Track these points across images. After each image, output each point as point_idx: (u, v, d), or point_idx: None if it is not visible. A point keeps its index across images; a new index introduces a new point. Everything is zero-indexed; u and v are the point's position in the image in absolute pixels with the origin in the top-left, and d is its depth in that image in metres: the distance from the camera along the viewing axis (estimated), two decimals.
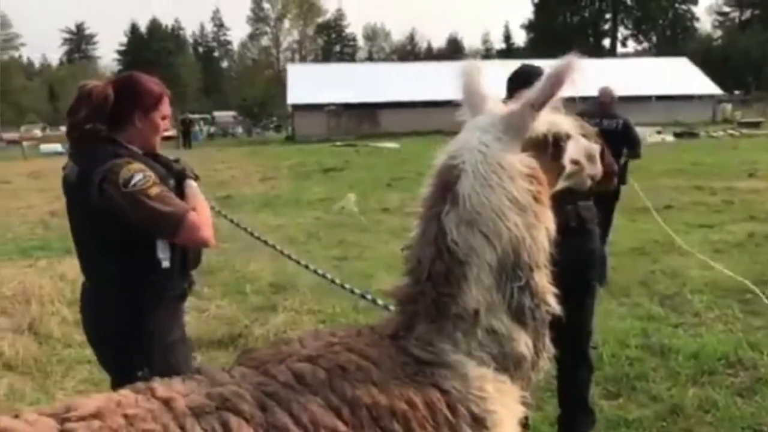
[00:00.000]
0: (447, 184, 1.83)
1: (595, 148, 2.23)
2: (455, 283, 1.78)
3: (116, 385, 2.64)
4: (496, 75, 3.97)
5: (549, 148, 1.95)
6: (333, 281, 3.70)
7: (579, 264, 3.42)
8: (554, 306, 1.89)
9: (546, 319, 1.88)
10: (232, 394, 1.52)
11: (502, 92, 2.11)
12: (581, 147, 2.14)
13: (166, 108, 2.88)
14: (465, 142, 1.87)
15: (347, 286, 3.65)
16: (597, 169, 2.23)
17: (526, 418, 4.00)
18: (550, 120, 1.91)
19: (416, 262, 1.86)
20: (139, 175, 2.55)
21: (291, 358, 1.67)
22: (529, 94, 1.86)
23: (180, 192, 2.80)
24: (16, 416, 1.38)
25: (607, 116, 7.33)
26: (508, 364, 1.83)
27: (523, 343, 1.83)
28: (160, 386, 1.54)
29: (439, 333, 1.79)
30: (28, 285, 6.88)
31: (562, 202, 2.19)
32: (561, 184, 2.10)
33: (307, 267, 3.84)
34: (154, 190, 2.55)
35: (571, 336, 3.21)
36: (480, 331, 1.80)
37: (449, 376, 1.71)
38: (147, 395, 1.50)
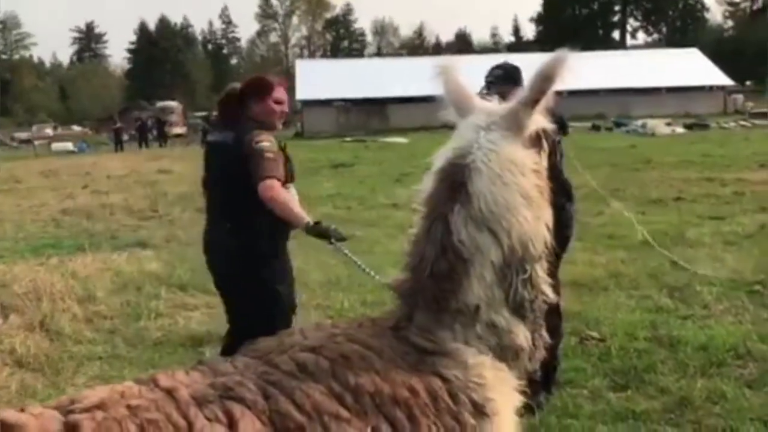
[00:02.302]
0: (456, 184, 1.85)
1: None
2: (457, 280, 1.81)
3: (252, 303, 3.87)
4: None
5: (540, 144, 1.99)
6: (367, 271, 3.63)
7: None
8: (550, 295, 1.94)
9: (543, 309, 1.93)
10: (234, 384, 1.54)
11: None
12: None
13: (278, 95, 3.97)
14: (471, 140, 1.88)
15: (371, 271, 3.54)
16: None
17: (533, 407, 4.03)
18: (540, 117, 1.95)
19: (419, 259, 1.88)
20: (268, 143, 3.69)
21: (293, 349, 1.70)
22: (522, 92, 1.90)
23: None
24: (22, 410, 1.41)
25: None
26: (506, 355, 1.86)
27: (522, 335, 1.87)
28: (163, 377, 1.56)
29: (438, 323, 1.82)
30: (40, 282, 6.93)
31: None
32: None
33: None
34: (270, 155, 3.65)
35: None
36: (479, 325, 1.83)
37: (450, 364, 1.75)
38: (150, 386, 1.53)
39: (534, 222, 1.86)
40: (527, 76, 2.32)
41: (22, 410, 1.41)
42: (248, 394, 1.52)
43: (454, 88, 2.02)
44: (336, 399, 1.58)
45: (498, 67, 4.06)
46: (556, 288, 4.30)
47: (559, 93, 1.94)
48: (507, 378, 1.85)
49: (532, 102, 1.89)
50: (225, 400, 1.50)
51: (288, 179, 3.88)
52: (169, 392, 1.50)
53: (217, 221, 4.01)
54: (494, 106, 1.99)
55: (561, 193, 4.09)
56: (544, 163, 2.05)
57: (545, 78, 1.86)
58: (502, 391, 1.80)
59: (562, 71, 1.85)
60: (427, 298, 1.84)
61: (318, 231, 3.53)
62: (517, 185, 1.84)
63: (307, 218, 3.56)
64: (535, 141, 1.96)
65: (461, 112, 1.99)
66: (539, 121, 1.94)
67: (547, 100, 1.90)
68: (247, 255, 3.82)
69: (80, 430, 1.35)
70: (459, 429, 1.69)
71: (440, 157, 1.96)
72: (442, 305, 1.82)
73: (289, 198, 3.66)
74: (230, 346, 4.01)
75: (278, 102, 3.96)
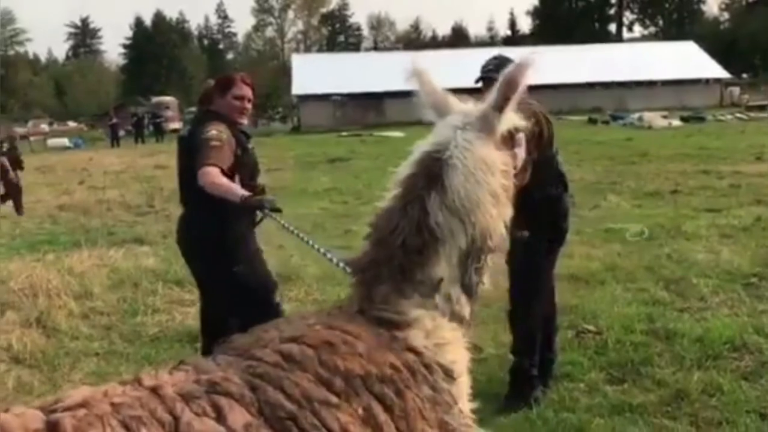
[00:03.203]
0: (432, 174, 1.97)
1: (522, 137, 2.41)
2: (427, 255, 1.94)
3: (212, 289, 4.22)
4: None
5: (512, 143, 2.15)
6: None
7: None
8: (487, 284, 2.11)
9: (480, 293, 2.09)
10: (220, 379, 1.55)
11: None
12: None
13: (239, 91, 4.11)
14: (448, 138, 2.01)
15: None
16: (522, 156, 2.38)
17: (530, 401, 4.04)
18: (511, 117, 2.07)
19: (390, 230, 1.97)
20: (215, 132, 3.83)
21: (274, 342, 1.72)
22: (491, 96, 2.04)
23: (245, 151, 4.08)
24: (7, 410, 1.41)
25: None
26: (453, 320, 2.00)
27: (467, 308, 2.03)
28: (146, 377, 1.56)
29: (398, 293, 1.93)
30: (36, 279, 6.93)
31: None
32: None
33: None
34: (215, 143, 3.77)
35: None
36: (438, 296, 1.96)
37: (417, 335, 1.86)
38: (135, 385, 1.52)
39: (497, 218, 2.01)
40: None
41: (7, 410, 1.41)
42: (234, 388, 1.53)
43: (430, 90, 2.16)
44: (325, 385, 1.61)
45: (494, 58, 4.12)
46: (550, 280, 4.35)
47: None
48: (460, 337, 2.00)
49: (500, 106, 2.02)
50: (212, 395, 1.50)
51: (246, 171, 4.05)
52: (154, 390, 1.49)
53: (182, 211, 4.31)
54: (470, 107, 2.12)
55: (557, 184, 4.10)
56: (515, 161, 2.18)
57: (509, 84, 1.99)
58: (460, 351, 1.96)
59: (525, 77, 1.99)
60: (394, 267, 1.93)
61: (252, 203, 3.70)
62: (487, 184, 1.97)
63: (242, 192, 3.67)
64: (507, 141, 2.11)
65: (439, 113, 2.13)
66: (511, 120, 2.07)
67: (513, 104, 2.03)
68: (205, 243, 4.04)
69: (61, 428, 1.34)
70: (437, 394, 1.79)
71: (418, 149, 2.07)
72: (407, 275, 1.93)
73: (224, 180, 3.73)
74: (209, 343, 4.10)
75: (238, 98, 4.10)
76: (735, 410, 3.92)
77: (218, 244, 3.99)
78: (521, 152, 2.21)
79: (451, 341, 1.93)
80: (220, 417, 1.46)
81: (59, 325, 5.90)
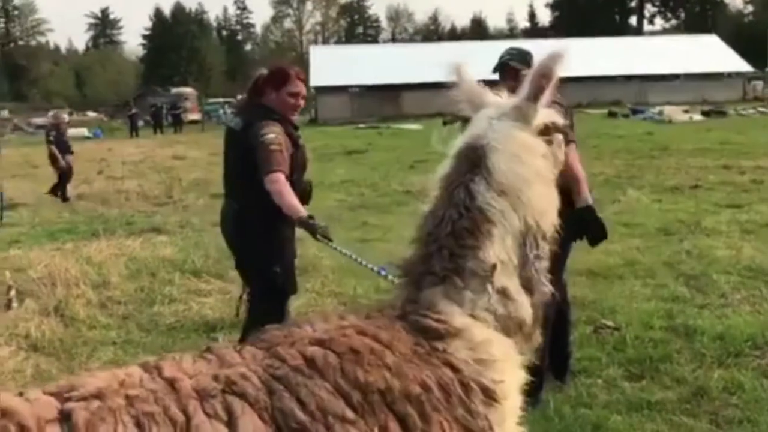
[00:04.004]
0: (474, 162, 1.94)
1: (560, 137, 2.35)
2: (479, 237, 1.86)
3: (254, 278, 4.29)
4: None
5: (549, 135, 2.09)
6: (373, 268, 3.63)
7: None
8: (548, 286, 1.99)
9: (546, 296, 1.97)
10: (239, 377, 1.50)
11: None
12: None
13: (293, 88, 4.10)
14: (485, 128, 2.00)
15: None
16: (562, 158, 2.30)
17: (544, 397, 4.00)
18: (547, 111, 2.06)
19: (437, 222, 1.91)
20: (273, 135, 3.84)
21: (302, 341, 1.64)
22: (525, 88, 2.02)
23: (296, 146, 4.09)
24: (21, 394, 1.37)
25: None
26: (510, 326, 1.88)
27: (527, 308, 1.91)
28: (167, 365, 1.52)
29: (445, 295, 1.83)
30: (55, 268, 7.00)
31: None
32: None
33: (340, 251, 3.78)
34: (275, 147, 3.82)
35: None
36: (491, 288, 1.84)
37: (459, 347, 1.73)
38: (153, 375, 1.48)
39: (547, 199, 1.97)
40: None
41: (21, 394, 1.38)
42: (251, 390, 1.48)
43: (468, 86, 2.15)
44: (343, 398, 1.54)
45: (511, 49, 4.13)
46: (561, 274, 4.30)
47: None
48: (513, 354, 1.86)
49: (533, 97, 2.00)
50: (227, 395, 1.46)
51: (298, 168, 4.10)
52: (171, 383, 1.46)
53: (227, 200, 4.35)
54: (504, 100, 2.11)
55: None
56: (555, 155, 2.12)
57: (542, 75, 1.98)
58: (510, 370, 1.81)
59: (558, 68, 1.98)
60: (444, 257, 1.85)
61: (307, 225, 3.72)
62: (531, 164, 1.94)
63: (302, 212, 3.72)
64: (543, 133, 2.06)
65: (474, 107, 2.12)
66: (547, 114, 2.05)
67: (546, 96, 2.01)
68: (246, 234, 4.11)
69: (73, 420, 1.32)
70: (471, 419, 1.65)
71: (457, 143, 2.06)
72: (459, 263, 1.84)
73: (290, 191, 3.81)
74: (245, 329, 4.20)
75: (293, 95, 4.08)
76: (756, 408, 3.86)
77: (263, 242, 4.04)
78: (560, 154, 2.15)
79: (499, 358, 1.77)
80: (230, 421, 1.42)
81: (77, 313, 5.94)
